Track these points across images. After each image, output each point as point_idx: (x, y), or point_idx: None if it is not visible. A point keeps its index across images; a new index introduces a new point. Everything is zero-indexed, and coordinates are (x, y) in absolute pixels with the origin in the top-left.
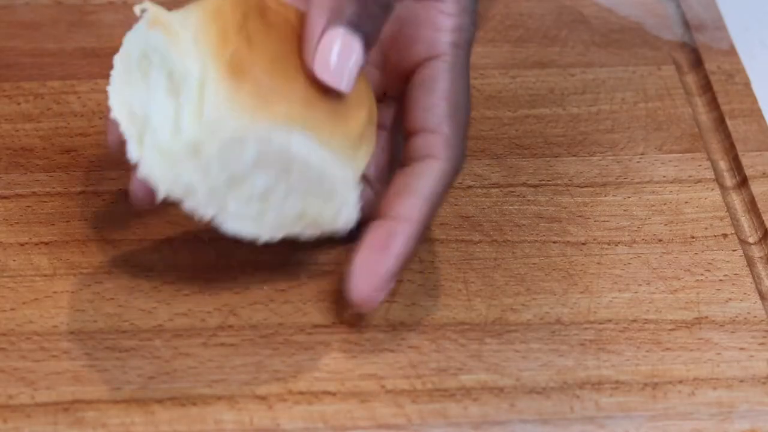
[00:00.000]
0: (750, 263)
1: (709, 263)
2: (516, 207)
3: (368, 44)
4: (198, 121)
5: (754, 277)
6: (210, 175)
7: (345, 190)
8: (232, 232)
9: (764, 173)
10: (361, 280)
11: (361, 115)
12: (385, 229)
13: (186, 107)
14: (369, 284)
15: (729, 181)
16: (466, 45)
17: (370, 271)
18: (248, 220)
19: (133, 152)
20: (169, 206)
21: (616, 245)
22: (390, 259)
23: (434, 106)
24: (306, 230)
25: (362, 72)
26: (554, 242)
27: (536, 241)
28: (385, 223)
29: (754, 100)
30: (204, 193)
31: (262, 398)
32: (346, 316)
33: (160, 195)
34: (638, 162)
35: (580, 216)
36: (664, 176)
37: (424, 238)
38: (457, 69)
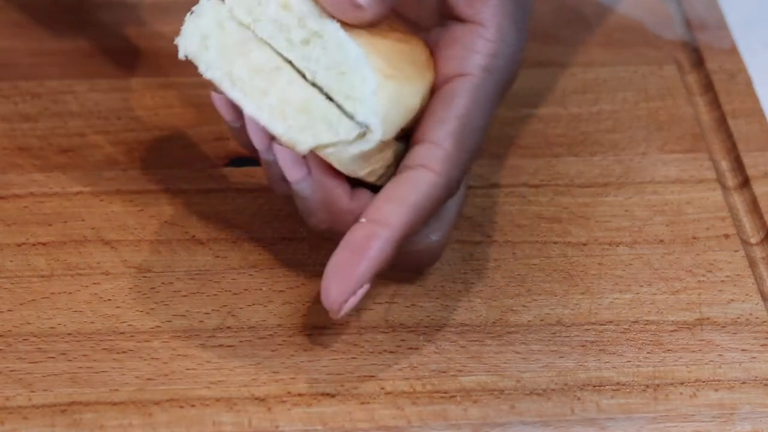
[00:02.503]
0: (752, 264)
1: (711, 264)
2: (516, 207)
3: None
4: None
5: (756, 278)
6: (229, 28)
7: (364, 97)
8: (236, 102)
9: (766, 173)
10: (333, 282)
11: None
12: (363, 232)
13: None
14: (340, 287)
15: (731, 181)
16: (497, 73)
17: (343, 274)
18: (252, 93)
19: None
20: (168, 207)
21: (618, 246)
22: (364, 263)
23: (444, 120)
24: (306, 131)
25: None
26: (555, 243)
27: (537, 241)
28: (365, 226)
29: (756, 100)
30: (216, 48)
31: (261, 400)
32: (346, 317)
33: (180, 50)
34: (639, 162)
35: (581, 216)
36: (665, 176)
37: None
38: (481, 92)
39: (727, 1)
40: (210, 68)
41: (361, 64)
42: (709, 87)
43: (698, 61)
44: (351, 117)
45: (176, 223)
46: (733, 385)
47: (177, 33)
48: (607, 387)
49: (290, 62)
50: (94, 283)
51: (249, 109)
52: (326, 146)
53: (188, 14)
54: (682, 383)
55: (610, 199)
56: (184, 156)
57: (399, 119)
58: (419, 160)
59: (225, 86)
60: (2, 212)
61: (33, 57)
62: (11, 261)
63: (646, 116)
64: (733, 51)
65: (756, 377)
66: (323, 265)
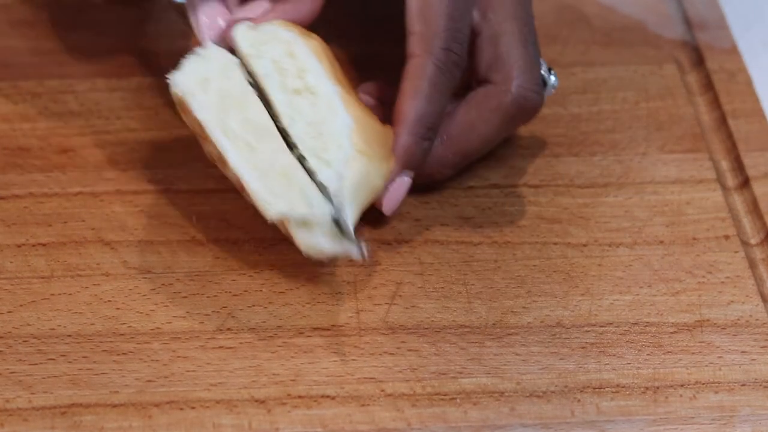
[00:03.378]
0: (752, 265)
1: (711, 265)
2: (516, 208)
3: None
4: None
5: (756, 279)
6: (234, 78)
7: (334, 162)
8: (220, 149)
9: (766, 173)
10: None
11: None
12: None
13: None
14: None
15: (731, 181)
16: None
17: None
18: (240, 145)
19: None
20: (168, 207)
21: (617, 247)
22: (396, 163)
23: (408, 7)
24: (283, 196)
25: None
26: (555, 244)
27: (537, 242)
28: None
29: (756, 100)
30: (216, 92)
31: (261, 402)
32: (346, 318)
33: (174, 84)
34: (639, 162)
35: (581, 217)
36: (665, 176)
37: (425, 239)
38: None
39: (727, 1)
40: (204, 109)
41: (343, 132)
42: (709, 87)
43: (698, 60)
44: (313, 174)
45: (176, 223)
46: (733, 387)
47: (177, 33)
48: (606, 389)
49: (273, 110)
50: (94, 285)
51: (233, 160)
52: (298, 224)
53: (191, 54)
54: (681, 385)
55: (610, 199)
56: (184, 156)
57: (364, 197)
58: (407, 50)
59: (215, 131)
60: (2, 212)
61: (33, 57)
62: (11, 262)
63: (646, 116)
64: (733, 51)
65: (756, 379)
66: (323, 266)
